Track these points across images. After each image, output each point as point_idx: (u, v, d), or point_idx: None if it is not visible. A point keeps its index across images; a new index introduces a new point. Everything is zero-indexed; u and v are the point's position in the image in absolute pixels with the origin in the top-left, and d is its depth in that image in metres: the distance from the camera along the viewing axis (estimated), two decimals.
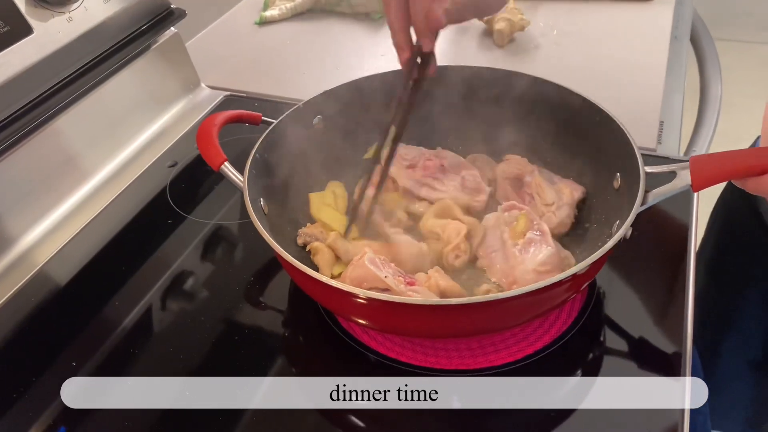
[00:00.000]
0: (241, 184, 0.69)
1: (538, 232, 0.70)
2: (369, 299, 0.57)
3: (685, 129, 1.11)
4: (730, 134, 1.40)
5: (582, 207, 0.77)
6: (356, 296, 0.57)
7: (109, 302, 0.76)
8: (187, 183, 0.93)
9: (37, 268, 0.80)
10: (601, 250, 0.56)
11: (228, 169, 0.72)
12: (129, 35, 0.95)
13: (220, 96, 1.10)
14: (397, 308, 0.57)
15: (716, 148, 1.17)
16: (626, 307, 0.72)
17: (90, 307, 0.76)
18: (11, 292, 0.77)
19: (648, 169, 0.63)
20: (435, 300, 0.56)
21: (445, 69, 0.83)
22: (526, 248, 0.69)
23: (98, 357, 0.70)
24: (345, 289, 0.57)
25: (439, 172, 0.81)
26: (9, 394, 0.67)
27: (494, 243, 0.73)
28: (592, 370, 0.66)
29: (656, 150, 0.93)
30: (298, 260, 0.59)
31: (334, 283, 0.57)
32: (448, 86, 0.84)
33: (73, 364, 0.69)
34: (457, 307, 0.55)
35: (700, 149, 1.11)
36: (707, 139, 1.15)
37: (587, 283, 0.66)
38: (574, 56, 1.15)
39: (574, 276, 0.56)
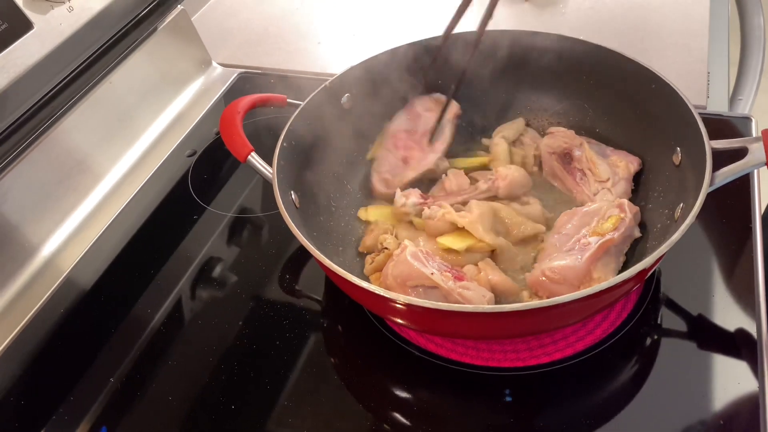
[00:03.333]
0: (270, 176, 0.65)
1: (594, 240, 0.62)
2: (412, 306, 0.53)
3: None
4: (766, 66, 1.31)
5: (636, 181, 0.72)
6: (397, 302, 0.53)
7: (142, 297, 0.74)
8: (209, 172, 0.89)
9: (65, 273, 0.78)
10: (667, 243, 0.51)
11: (255, 160, 0.68)
12: (134, 18, 0.89)
13: (234, 74, 1.05)
14: (446, 315, 0.53)
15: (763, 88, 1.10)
16: (687, 284, 0.67)
17: (121, 307, 0.73)
18: (42, 300, 0.75)
19: (715, 144, 0.57)
20: (490, 307, 0.52)
21: (474, 34, 0.77)
22: (571, 247, 0.63)
23: (134, 354, 0.68)
24: (386, 295, 0.53)
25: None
26: (52, 399, 0.65)
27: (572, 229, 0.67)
28: (656, 353, 0.62)
29: (707, 106, 0.86)
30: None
31: (374, 288, 0.53)
32: (480, 53, 0.77)
33: (111, 363, 0.68)
34: (512, 313, 0.51)
35: (747, 97, 1.04)
36: (754, 84, 1.08)
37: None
38: (608, 5, 1.07)
39: (640, 272, 0.51)
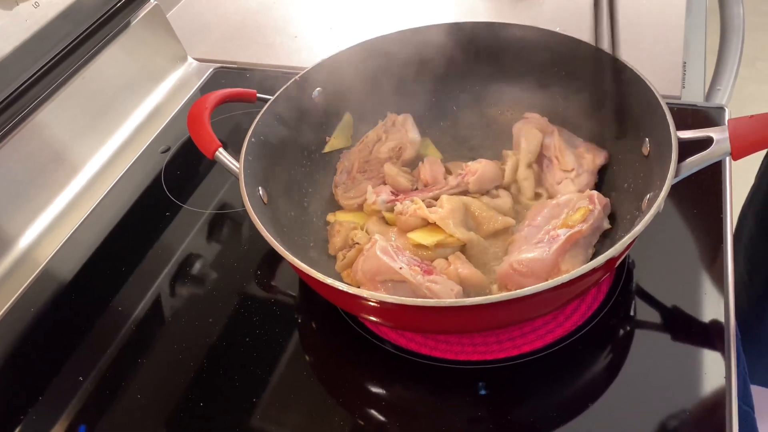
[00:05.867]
0: (238, 171, 0.64)
1: (563, 232, 0.62)
2: (376, 301, 0.53)
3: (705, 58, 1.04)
4: (748, 55, 1.30)
5: (605, 171, 0.71)
6: (366, 299, 0.53)
7: (116, 295, 0.73)
8: (183, 169, 0.88)
9: (40, 267, 0.77)
10: (632, 233, 0.51)
11: (223, 156, 0.68)
12: (105, 13, 0.89)
13: (210, 69, 1.04)
14: (409, 309, 0.53)
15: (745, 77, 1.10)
16: (659, 275, 0.67)
17: (99, 302, 0.73)
18: (17, 294, 0.75)
19: (681, 134, 0.57)
20: (452, 301, 0.52)
21: (454, 26, 0.77)
22: (540, 239, 0.63)
23: (112, 351, 0.68)
24: (352, 292, 0.53)
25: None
26: (28, 395, 0.65)
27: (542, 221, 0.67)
28: (628, 344, 0.62)
29: (681, 97, 0.86)
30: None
31: (336, 284, 0.53)
32: (456, 43, 0.77)
33: (90, 358, 0.67)
34: (475, 307, 0.50)
35: (725, 86, 1.04)
36: (732, 74, 1.08)
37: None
38: None
39: (607, 261, 0.51)
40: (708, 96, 1.00)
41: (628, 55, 0.68)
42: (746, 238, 1.02)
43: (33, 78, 0.80)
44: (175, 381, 0.64)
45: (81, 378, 0.65)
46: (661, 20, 0.98)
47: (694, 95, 0.90)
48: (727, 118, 0.81)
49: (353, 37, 0.77)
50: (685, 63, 0.92)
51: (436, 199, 0.70)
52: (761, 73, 2.38)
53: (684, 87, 0.89)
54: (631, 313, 0.65)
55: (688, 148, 0.58)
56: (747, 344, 0.78)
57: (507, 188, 0.73)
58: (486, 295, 0.63)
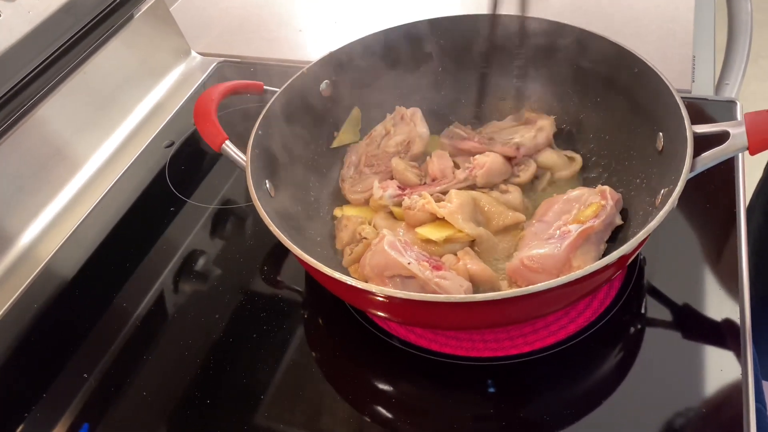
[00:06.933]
0: (245, 164, 0.63)
1: (574, 228, 0.61)
2: (385, 296, 0.52)
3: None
4: (751, 52, 1.28)
5: (618, 166, 0.70)
6: (374, 294, 0.52)
7: (120, 292, 0.72)
8: (187, 164, 0.87)
9: (42, 264, 0.76)
10: (646, 229, 0.50)
11: (230, 149, 0.67)
12: (108, 6, 0.88)
13: (214, 63, 1.03)
14: (419, 305, 0.52)
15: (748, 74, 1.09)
16: (670, 272, 0.66)
17: (102, 299, 0.72)
18: (20, 291, 0.74)
19: (696, 129, 0.56)
20: (463, 297, 0.51)
21: (462, 18, 0.76)
22: (551, 234, 0.62)
23: (116, 347, 0.67)
24: (361, 287, 0.52)
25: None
26: (31, 393, 0.64)
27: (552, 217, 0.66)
28: (639, 342, 0.61)
29: (691, 90, 0.85)
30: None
31: (348, 280, 0.52)
32: (465, 36, 0.77)
33: (93, 355, 0.66)
34: (485, 303, 0.50)
35: (733, 81, 1.03)
36: (740, 69, 1.07)
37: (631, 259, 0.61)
38: None
39: (620, 257, 0.50)
40: (717, 91, 0.99)
41: (638, 48, 0.67)
42: (754, 231, 1.02)
43: (35, 72, 0.79)
44: (181, 378, 0.63)
45: (85, 375, 0.65)
46: (670, 14, 0.97)
47: (704, 89, 0.89)
48: (738, 111, 0.80)
49: (358, 31, 0.76)
50: (694, 57, 0.91)
51: (444, 193, 0.69)
52: (764, 71, 2.37)
53: (694, 81, 0.88)
54: (643, 311, 0.64)
55: (702, 143, 0.57)
56: (754, 339, 0.77)
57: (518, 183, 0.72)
58: (496, 291, 0.62)
